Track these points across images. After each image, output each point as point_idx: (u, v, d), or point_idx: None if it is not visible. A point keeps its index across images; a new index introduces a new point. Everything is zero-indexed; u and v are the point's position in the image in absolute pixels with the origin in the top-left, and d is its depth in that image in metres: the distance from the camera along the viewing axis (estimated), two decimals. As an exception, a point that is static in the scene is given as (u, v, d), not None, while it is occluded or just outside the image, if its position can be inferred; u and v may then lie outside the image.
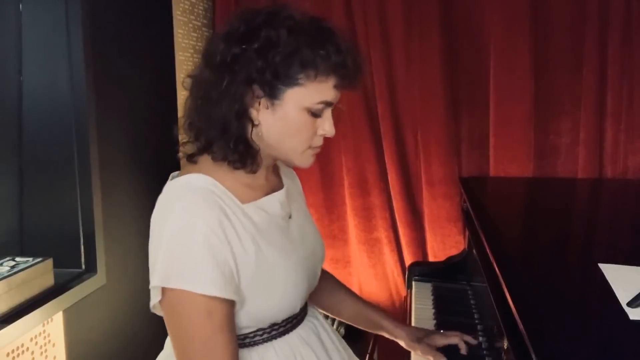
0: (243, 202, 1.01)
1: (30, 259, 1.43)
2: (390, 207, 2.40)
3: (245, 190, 1.03)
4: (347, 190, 2.43)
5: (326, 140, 1.07)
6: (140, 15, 1.97)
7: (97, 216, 1.63)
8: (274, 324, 1.06)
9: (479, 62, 2.26)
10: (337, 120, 1.05)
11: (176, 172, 1.07)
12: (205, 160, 1.04)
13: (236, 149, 0.98)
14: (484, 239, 1.40)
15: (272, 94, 0.96)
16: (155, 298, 0.96)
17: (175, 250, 0.92)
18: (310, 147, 1.03)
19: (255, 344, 1.04)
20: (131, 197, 1.86)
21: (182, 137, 1.08)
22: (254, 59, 0.94)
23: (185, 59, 2.26)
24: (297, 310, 1.09)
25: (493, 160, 2.26)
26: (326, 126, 1.02)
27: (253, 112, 0.98)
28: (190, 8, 2.31)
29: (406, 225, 2.36)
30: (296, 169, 2.60)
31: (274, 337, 1.06)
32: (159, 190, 1.02)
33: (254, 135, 1.00)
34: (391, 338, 1.33)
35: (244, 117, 0.97)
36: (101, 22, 1.69)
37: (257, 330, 1.04)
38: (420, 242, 2.39)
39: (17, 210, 1.58)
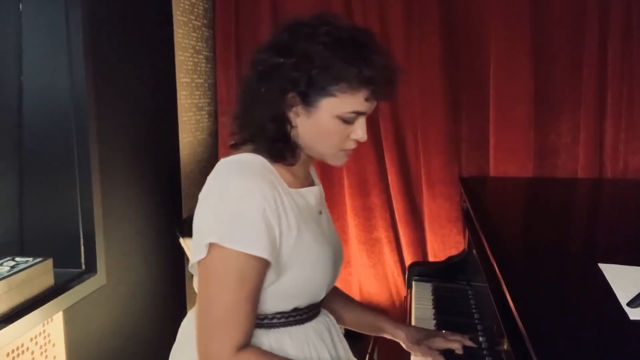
0: (289, 186, 1.09)
1: (30, 259, 1.43)
2: (390, 207, 2.40)
3: (290, 177, 1.11)
4: (347, 190, 2.43)
5: None
6: (140, 15, 1.97)
7: (97, 216, 1.63)
8: (296, 309, 1.10)
9: (479, 63, 2.26)
10: (371, 125, 1.12)
11: (232, 150, 1.13)
12: (250, 147, 1.11)
13: (274, 146, 1.07)
14: (484, 239, 1.39)
15: (308, 102, 1.04)
16: (199, 255, 1.01)
17: (234, 214, 0.99)
18: (342, 150, 1.10)
19: (273, 326, 1.09)
20: (131, 197, 1.86)
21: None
22: (290, 71, 1.02)
23: (185, 59, 2.26)
24: (321, 297, 1.15)
25: (493, 160, 2.26)
26: (359, 133, 1.09)
27: (291, 115, 1.06)
28: (190, 8, 2.31)
29: (406, 225, 2.36)
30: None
31: (291, 324, 1.11)
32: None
33: (293, 134, 1.08)
34: (393, 339, 1.34)
35: (280, 120, 1.06)
36: (101, 22, 1.69)
37: (277, 313, 1.09)
38: (420, 242, 2.39)
39: (17, 210, 1.58)
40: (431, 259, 2.35)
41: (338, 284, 1.36)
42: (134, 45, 1.91)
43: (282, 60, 1.02)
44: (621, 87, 2.13)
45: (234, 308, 0.98)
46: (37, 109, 1.58)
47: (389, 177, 2.36)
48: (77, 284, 1.55)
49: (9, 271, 1.35)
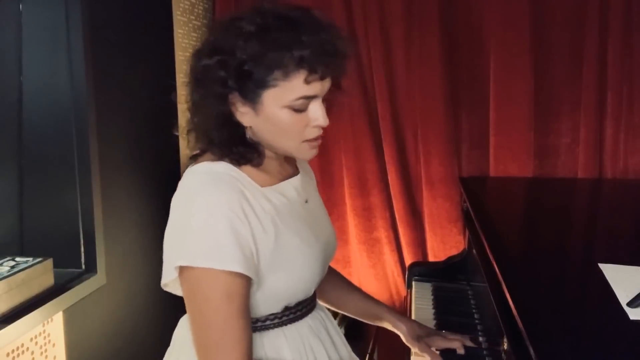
0: (262, 186, 1.05)
1: (30, 259, 1.43)
2: (390, 207, 2.40)
3: (262, 175, 1.06)
4: (347, 190, 2.43)
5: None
6: (140, 15, 1.97)
7: (97, 216, 1.63)
8: (287, 308, 1.08)
9: (479, 62, 2.26)
10: (333, 109, 1.06)
11: (193, 163, 1.08)
12: (210, 156, 1.07)
13: (233, 151, 1.02)
14: (484, 239, 1.40)
15: (250, 98, 0.99)
16: (169, 276, 0.99)
17: (201, 232, 0.96)
18: (305, 141, 1.03)
19: (267, 328, 1.07)
20: (131, 197, 1.86)
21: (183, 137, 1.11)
22: (217, 71, 0.97)
23: (185, 59, 2.26)
24: (310, 293, 1.13)
25: (493, 160, 2.26)
26: (317, 118, 1.01)
27: (238, 116, 1.01)
28: (190, 8, 2.31)
29: (406, 225, 2.36)
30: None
31: (285, 324, 1.08)
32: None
33: (251, 135, 1.04)
34: (393, 330, 1.33)
35: (228, 125, 1.01)
36: (101, 22, 1.69)
37: (269, 315, 1.07)
38: (420, 242, 2.39)
39: (17, 210, 1.58)
40: (431, 259, 2.35)
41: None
42: (134, 46, 1.90)
43: (207, 61, 0.98)
44: (621, 87, 2.13)
45: (229, 326, 0.95)
46: (37, 109, 1.58)
47: (389, 177, 2.36)
48: (77, 284, 1.55)
49: (9, 271, 1.35)
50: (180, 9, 2.22)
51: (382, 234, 2.41)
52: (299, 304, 1.10)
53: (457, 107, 2.31)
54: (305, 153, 1.05)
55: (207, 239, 0.95)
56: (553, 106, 2.23)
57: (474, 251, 1.54)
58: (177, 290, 1.04)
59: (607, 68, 2.12)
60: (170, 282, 1.02)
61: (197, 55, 1.02)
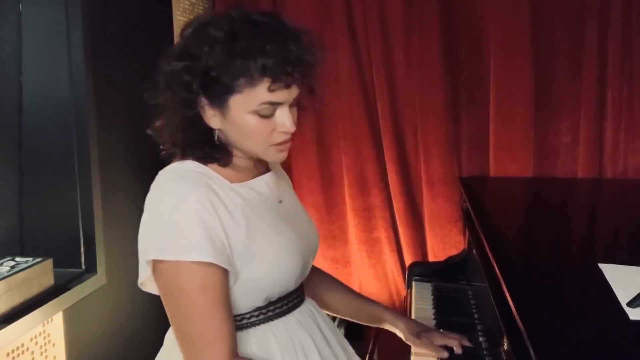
0: (231, 182, 1.05)
1: (30, 259, 1.43)
2: (390, 207, 2.40)
3: (232, 172, 1.07)
4: (347, 190, 2.43)
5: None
6: (140, 15, 1.97)
7: (97, 216, 1.63)
8: (270, 303, 1.07)
9: (479, 62, 2.26)
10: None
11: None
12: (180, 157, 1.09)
13: (201, 151, 1.04)
14: (484, 239, 1.40)
15: (216, 103, 1.00)
16: (144, 274, 1.01)
17: (169, 225, 0.97)
18: (272, 145, 1.04)
19: (252, 325, 1.06)
20: (131, 197, 1.86)
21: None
22: (183, 75, 0.98)
23: (185, 59, 2.26)
24: (292, 286, 1.11)
25: (493, 160, 2.26)
26: (283, 124, 1.02)
27: (206, 119, 1.02)
28: (190, 8, 2.31)
29: (406, 225, 2.36)
30: (296, 168, 2.60)
31: (271, 318, 1.08)
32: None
33: (220, 137, 1.05)
34: (392, 330, 1.33)
35: (194, 127, 1.03)
36: (101, 22, 1.69)
37: (253, 311, 1.06)
38: (420, 242, 2.39)
39: (17, 210, 1.58)
40: (431, 259, 2.35)
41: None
42: (134, 45, 1.90)
43: (174, 65, 1.00)
44: (621, 87, 2.13)
45: (208, 318, 0.95)
46: (37, 109, 1.58)
47: (389, 177, 2.36)
48: (77, 284, 1.55)
49: (9, 271, 1.35)
50: (180, 9, 2.22)
51: (382, 234, 2.41)
52: (282, 297, 1.09)
53: (457, 107, 2.31)
54: (273, 156, 1.06)
55: (175, 232, 0.96)
56: (553, 106, 2.23)
57: (474, 251, 1.54)
58: (153, 289, 1.04)
59: (607, 68, 2.12)
60: (146, 281, 1.02)
61: (166, 58, 1.02)
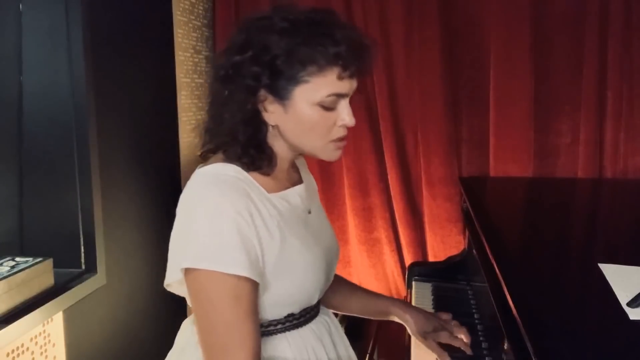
0: (268, 192, 1.04)
1: (30, 259, 1.43)
2: (390, 207, 2.40)
3: (269, 181, 1.06)
4: (347, 190, 2.43)
5: None
6: (140, 15, 1.97)
7: (97, 216, 1.63)
8: (290, 315, 1.07)
9: (479, 62, 2.26)
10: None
11: (202, 164, 1.08)
12: (221, 157, 1.07)
13: (246, 153, 1.02)
14: (484, 239, 1.40)
15: (280, 95, 0.98)
16: (173, 277, 0.99)
17: (206, 234, 0.95)
18: (331, 141, 1.03)
19: (270, 334, 1.06)
20: (131, 197, 1.86)
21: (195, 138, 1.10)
22: (250, 66, 0.97)
23: (185, 59, 2.26)
24: (314, 301, 1.12)
25: (493, 160, 2.26)
26: (345, 117, 1.01)
27: (265, 115, 1.01)
28: (190, 8, 2.31)
29: (406, 225, 2.36)
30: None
31: (288, 329, 1.08)
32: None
33: (272, 137, 1.04)
34: (400, 322, 1.31)
35: (253, 123, 1.01)
36: (101, 22, 1.69)
37: (272, 321, 1.06)
38: (420, 242, 2.39)
39: (17, 210, 1.58)
40: (431, 259, 2.35)
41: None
42: (134, 45, 1.90)
43: (239, 57, 0.98)
44: (621, 87, 2.13)
45: (234, 328, 0.94)
46: (37, 109, 1.58)
47: (389, 177, 2.36)
48: (77, 284, 1.55)
49: (9, 271, 1.35)
50: (180, 9, 2.22)
51: (382, 234, 2.41)
52: (302, 310, 1.10)
53: (457, 107, 2.31)
54: (330, 154, 1.05)
55: (212, 241, 0.95)
56: (553, 106, 2.23)
57: (474, 251, 1.54)
58: (179, 291, 1.04)
59: (607, 68, 2.12)
60: (173, 282, 1.01)
61: (226, 52, 1.01)
